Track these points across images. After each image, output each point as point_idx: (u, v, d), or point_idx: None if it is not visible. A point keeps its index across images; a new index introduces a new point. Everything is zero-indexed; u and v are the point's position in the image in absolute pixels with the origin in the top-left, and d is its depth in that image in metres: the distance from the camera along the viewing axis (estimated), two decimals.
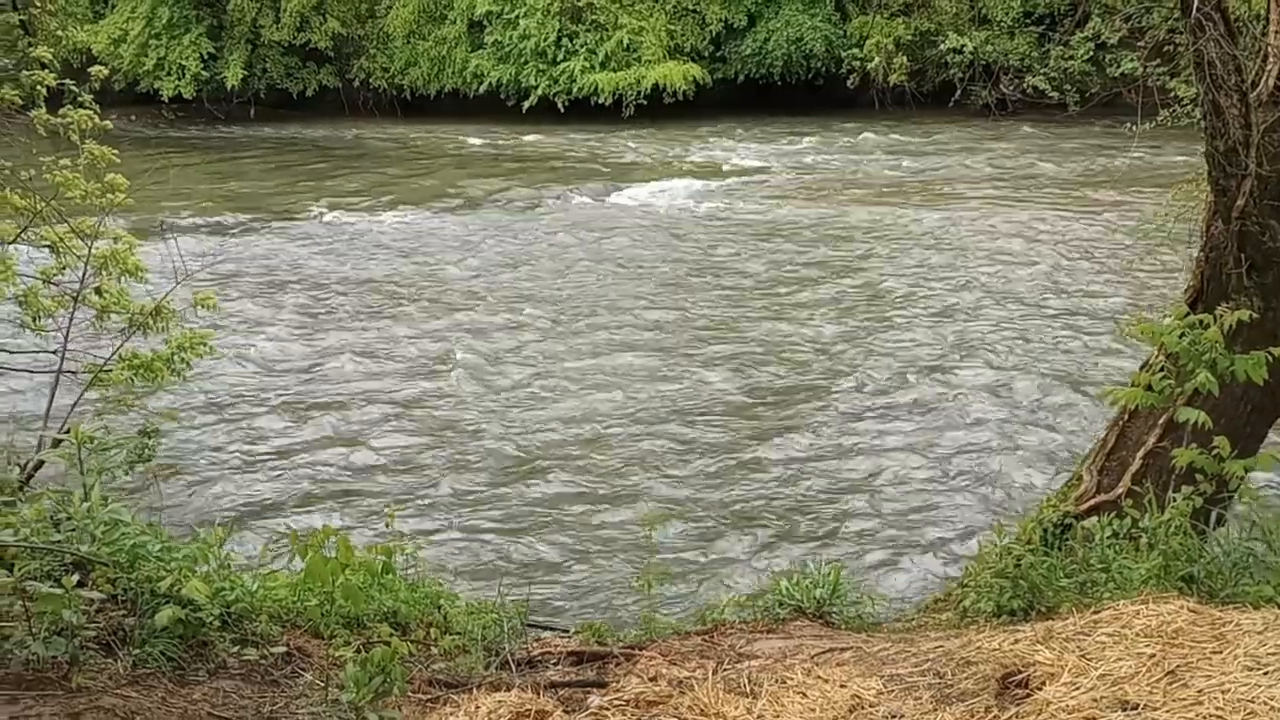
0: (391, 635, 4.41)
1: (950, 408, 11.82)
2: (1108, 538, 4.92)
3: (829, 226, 20.61)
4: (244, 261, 18.67)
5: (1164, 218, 10.69)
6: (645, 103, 33.20)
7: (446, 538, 9.19)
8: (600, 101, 33.57)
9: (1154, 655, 3.61)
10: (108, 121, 8.40)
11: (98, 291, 8.30)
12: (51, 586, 3.69)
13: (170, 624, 3.97)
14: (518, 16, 34.48)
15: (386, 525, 7.08)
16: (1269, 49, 5.29)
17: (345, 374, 13.26)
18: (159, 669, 3.94)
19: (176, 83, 35.62)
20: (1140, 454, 5.63)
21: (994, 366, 12.98)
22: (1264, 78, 5.25)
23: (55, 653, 3.71)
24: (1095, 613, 4.14)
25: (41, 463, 6.33)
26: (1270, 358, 4.82)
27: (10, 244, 8.27)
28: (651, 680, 4.12)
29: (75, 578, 3.78)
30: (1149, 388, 5.24)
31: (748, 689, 3.94)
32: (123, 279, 8.46)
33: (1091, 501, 5.72)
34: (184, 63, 35.59)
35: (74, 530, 4.15)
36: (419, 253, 19.38)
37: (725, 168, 27.11)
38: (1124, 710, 3.33)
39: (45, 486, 5.04)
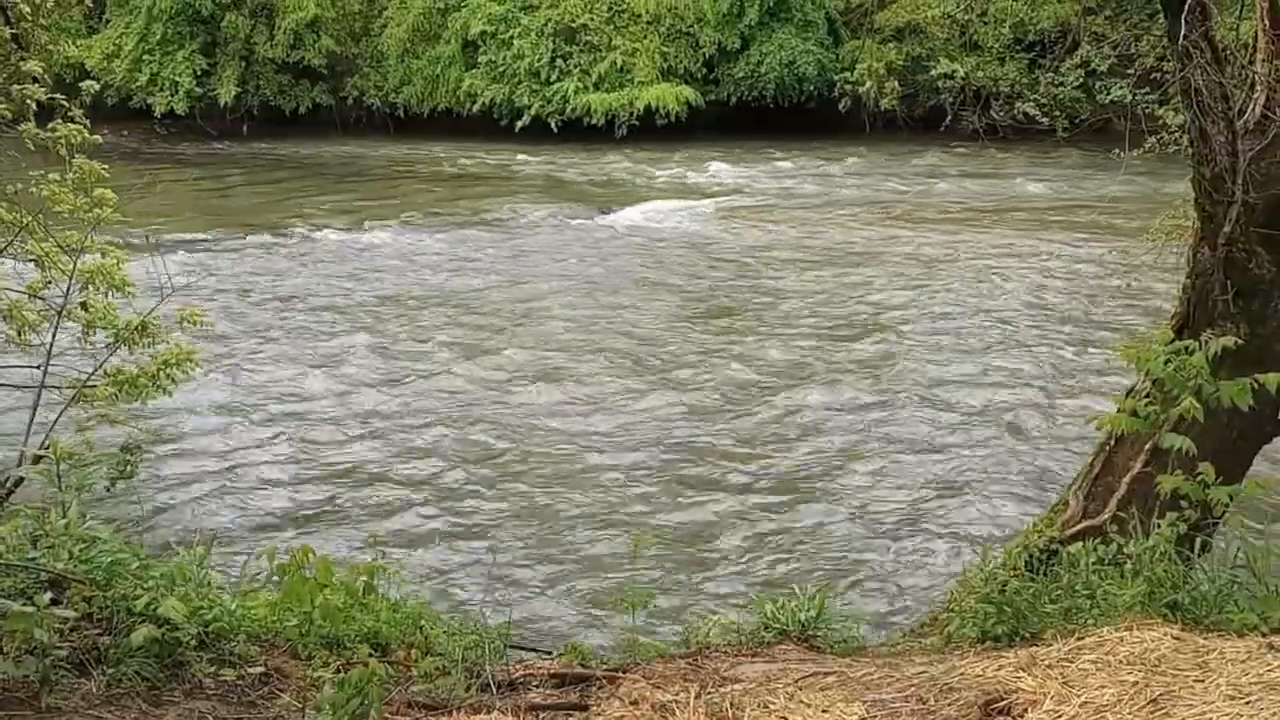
0: (371, 656, 4.35)
1: (937, 432, 11.82)
2: (1093, 563, 4.89)
3: (818, 249, 20.67)
4: (231, 277, 18.64)
5: (1151, 244, 10.75)
6: (638, 124, 33.33)
7: (429, 557, 9.14)
8: (593, 122, 33.68)
9: (1137, 683, 3.58)
10: (97, 136, 8.33)
11: (84, 306, 8.23)
12: (24, 605, 3.64)
13: (146, 643, 3.90)
14: (512, 37, 34.63)
15: (369, 544, 7.02)
16: (1255, 77, 5.31)
17: (328, 390, 13.21)
18: (133, 689, 3.88)
19: (169, 98, 35.66)
20: (1126, 480, 5.61)
21: (981, 391, 12.98)
22: (1250, 105, 5.27)
23: (26, 672, 3.64)
24: (1079, 639, 4.11)
25: (21, 479, 6.25)
26: (1255, 384, 4.81)
27: None
28: (633, 704, 4.07)
29: (48, 596, 3.72)
30: (1135, 413, 5.23)
31: (730, 714, 3.89)
32: (109, 294, 8.39)
33: (1077, 527, 5.69)
34: (177, 79, 35.64)
35: (50, 547, 4.10)
36: (406, 270, 19.37)
37: (716, 189, 27.19)
38: None
39: (26, 503, 4.99)
